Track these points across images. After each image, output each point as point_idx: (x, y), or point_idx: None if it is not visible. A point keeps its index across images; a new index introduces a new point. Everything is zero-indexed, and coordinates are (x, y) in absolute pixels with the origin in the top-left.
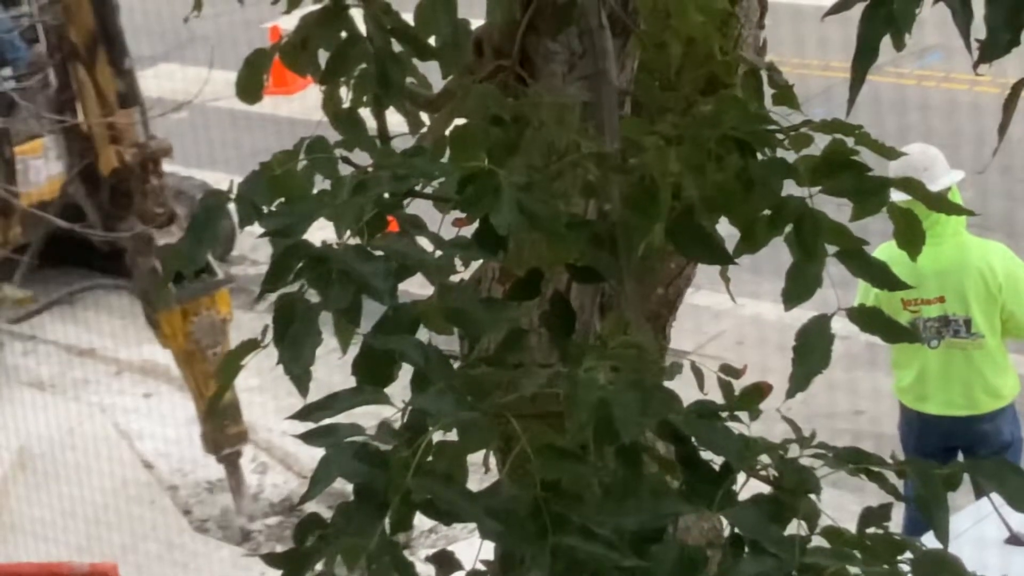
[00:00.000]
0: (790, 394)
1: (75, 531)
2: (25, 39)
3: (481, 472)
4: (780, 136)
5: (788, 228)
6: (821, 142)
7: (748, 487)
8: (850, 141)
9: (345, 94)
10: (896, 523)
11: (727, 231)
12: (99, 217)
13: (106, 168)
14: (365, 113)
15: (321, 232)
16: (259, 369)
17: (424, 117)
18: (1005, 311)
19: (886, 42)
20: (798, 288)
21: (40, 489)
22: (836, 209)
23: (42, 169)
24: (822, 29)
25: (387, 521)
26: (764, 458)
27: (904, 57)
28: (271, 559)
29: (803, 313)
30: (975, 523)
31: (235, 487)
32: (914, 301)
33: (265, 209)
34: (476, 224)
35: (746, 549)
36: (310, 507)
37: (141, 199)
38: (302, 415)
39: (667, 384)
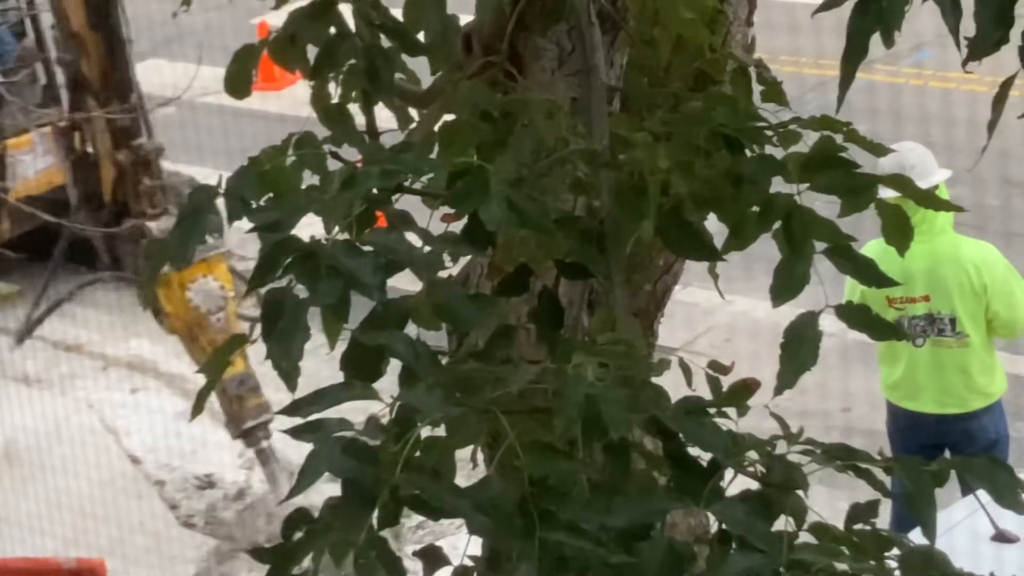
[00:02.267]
0: (778, 391)
1: (62, 526)
2: (13, 33)
3: (469, 468)
4: (769, 133)
5: (777, 224)
6: (810, 139)
7: (736, 483)
8: (839, 138)
9: (334, 90)
10: (883, 520)
11: (716, 228)
12: (103, 244)
13: (107, 185)
14: (354, 109)
15: (310, 228)
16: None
17: (413, 113)
18: (990, 310)
19: (876, 39)
20: (786, 285)
21: (27, 484)
22: (824, 206)
23: (30, 164)
24: (816, 24)
25: (375, 516)
26: (752, 454)
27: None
28: (257, 554)
29: (791, 310)
30: (963, 519)
31: (265, 466)
32: (900, 299)
33: (254, 204)
34: (465, 220)
35: (733, 545)
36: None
37: (135, 200)
38: (290, 410)
39: (655, 380)
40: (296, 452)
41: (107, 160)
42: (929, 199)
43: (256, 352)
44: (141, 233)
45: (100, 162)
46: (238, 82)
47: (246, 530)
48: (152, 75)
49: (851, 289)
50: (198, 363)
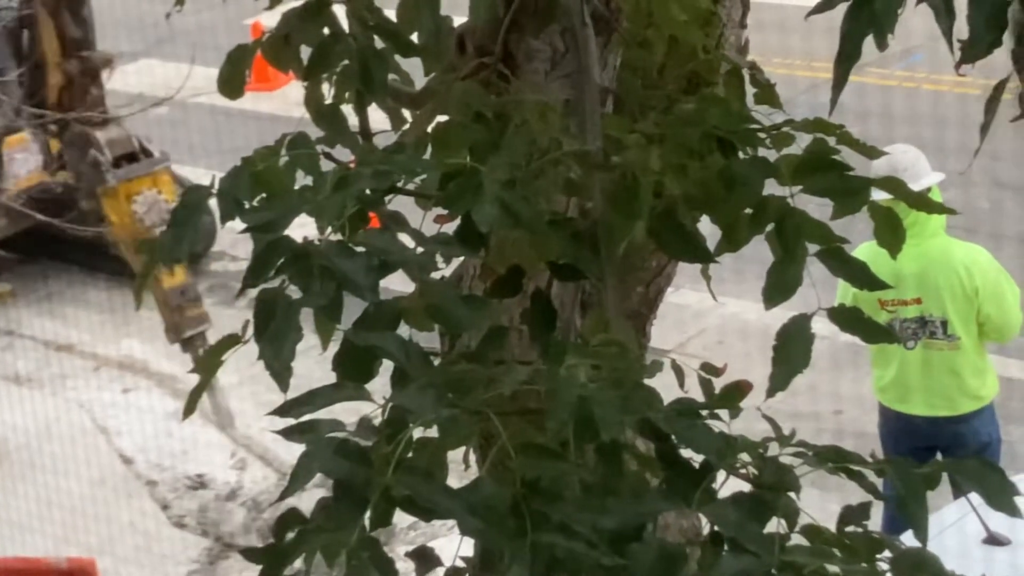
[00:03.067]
0: (770, 393)
1: (53, 525)
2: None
3: (461, 469)
4: (762, 135)
5: (769, 227)
6: (803, 141)
7: (728, 485)
8: (832, 140)
9: (327, 90)
10: (875, 522)
11: (708, 230)
12: (46, 149)
13: (54, 93)
14: (347, 110)
15: (303, 229)
16: (238, 365)
17: (406, 114)
18: (982, 314)
19: (868, 42)
20: (779, 287)
21: (18, 484)
22: (816, 208)
23: (24, 162)
24: (808, 27)
25: (367, 517)
26: (744, 456)
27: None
28: (250, 554)
29: (784, 313)
30: (954, 521)
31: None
32: (892, 302)
33: (247, 204)
34: (457, 221)
35: (725, 547)
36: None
37: (82, 107)
38: (282, 411)
39: (647, 382)
40: (288, 452)
41: (54, 67)
42: (921, 201)
43: (248, 353)
44: (87, 140)
45: (47, 66)
46: (231, 82)
47: (238, 530)
48: (145, 75)
49: (843, 291)
50: (137, 271)
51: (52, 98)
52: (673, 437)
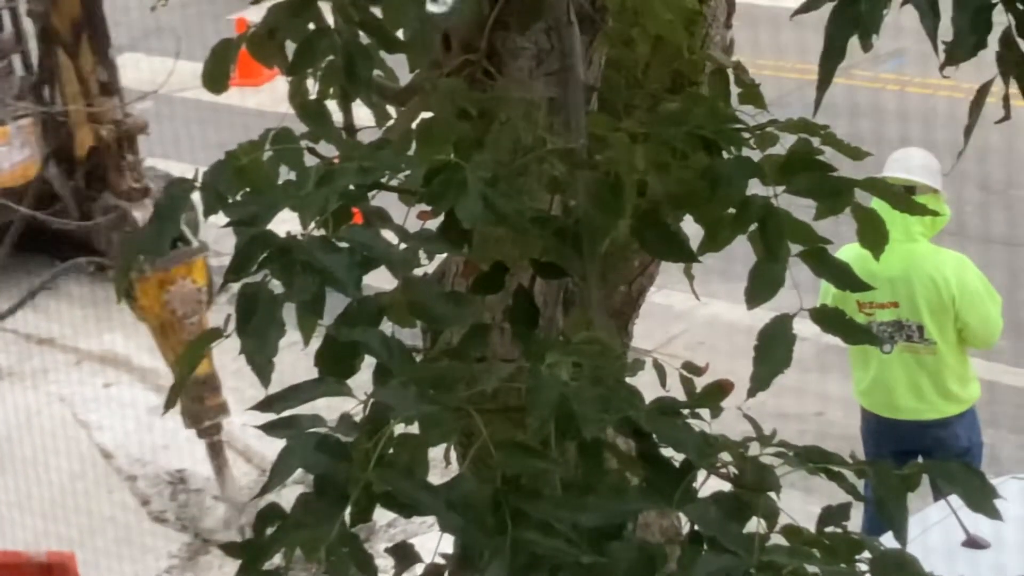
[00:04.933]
0: (751, 393)
1: (33, 519)
2: None
3: (442, 466)
4: (746, 135)
5: (752, 226)
6: (787, 142)
7: (708, 485)
8: (816, 141)
9: (312, 86)
10: (856, 523)
11: (692, 229)
12: (74, 200)
13: (82, 149)
14: (332, 105)
15: (286, 224)
16: (220, 361)
17: (391, 110)
18: (959, 321)
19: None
20: (761, 287)
21: None
22: (800, 209)
23: (7, 156)
24: (797, 28)
25: (347, 513)
26: (725, 456)
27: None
28: (229, 549)
29: (766, 313)
30: (934, 524)
31: (218, 467)
32: (869, 304)
33: (230, 199)
34: (441, 217)
35: (705, 546)
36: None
37: (117, 176)
38: (263, 406)
39: (629, 381)
40: (269, 448)
41: (80, 123)
42: (904, 203)
43: (230, 346)
44: (124, 219)
45: (69, 116)
46: (216, 77)
47: (217, 525)
48: (130, 69)
49: (824, 292)
50: (165, 358)
51: (80, 153)
52: (654, 436)
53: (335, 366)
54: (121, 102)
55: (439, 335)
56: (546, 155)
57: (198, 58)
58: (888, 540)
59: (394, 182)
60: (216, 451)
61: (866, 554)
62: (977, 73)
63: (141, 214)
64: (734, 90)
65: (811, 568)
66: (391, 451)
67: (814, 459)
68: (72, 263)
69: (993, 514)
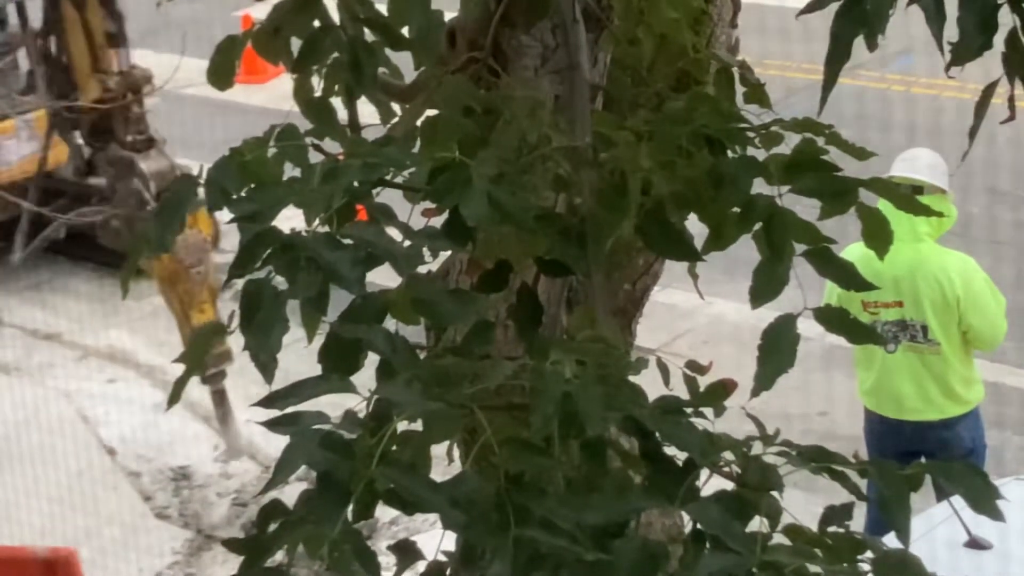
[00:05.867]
0: (755, 393)
1: (36, 515)
2: None
3: (445, 464)
4: (751, 134)
5: (757, 226)
6: (792, 142)
7: (711, 484)
8: (821, 141)
9: (317, 83)
10: (859, 523)
11: (696, 228)
12: (79, 155)
13: (88, 99)
14: (336, 103)
15: (290, 221)
16: None
17: (396, 107)
18: (964, 322)
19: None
20: (766, 287)
21: (1, 472)
22: (805, 209)
23: (14, 149)
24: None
25: (350, 510)
26: (728, 455)
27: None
28: (232, 545)
29: (771, 313)
30: (936, 525)
31: (221, 416)
32: (873, 303)
33: (234, 195)
34: (445, 215)
35: (707, 545)
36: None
37: (123, 126)
38: (267, 402)
39: (633, 379)
40: (272, 445)
41: (87, 76)
42: (908, 203)
43: (235, 343)
44: (130, 168)
45: (75, 71)
46: (221, 74)
47: (220, 522)
48: None
49: (829, 291)
50: (170, 307)
51: (87, 101)
52: (657, 434)
53: (339, 363)
54: (127, 53)
55: (443, 332)
56: (551, 153)
57: (203, 55)
58: (891, 540)
59: (399, 179)
60: (220, 399)
61: (868, 554)
62: (985, 73)
63: (147, 164)
64: (739, 89)
65: (813, 568)
66: (394, 448)
67: (817, 459)
68: (80, 212)
69: (996, 515)
